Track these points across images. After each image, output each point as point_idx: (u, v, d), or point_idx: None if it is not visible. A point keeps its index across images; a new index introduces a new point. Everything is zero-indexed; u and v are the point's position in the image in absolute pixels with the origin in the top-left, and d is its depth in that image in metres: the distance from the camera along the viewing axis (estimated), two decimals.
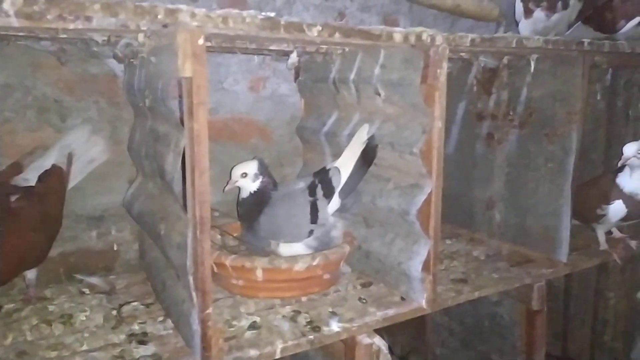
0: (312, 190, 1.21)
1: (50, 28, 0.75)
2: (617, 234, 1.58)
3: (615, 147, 1.71)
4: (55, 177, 1.15)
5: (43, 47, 1.13)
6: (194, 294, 0.83)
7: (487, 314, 1.55)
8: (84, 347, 0.93)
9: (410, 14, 1.74)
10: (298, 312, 1.07)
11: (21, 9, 0.65)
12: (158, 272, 1.11)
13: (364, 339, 1.02)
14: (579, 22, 1.71)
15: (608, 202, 1.44)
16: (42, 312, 1.07)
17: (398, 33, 0.95)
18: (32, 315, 1.06)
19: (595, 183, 1.52)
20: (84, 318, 1.05)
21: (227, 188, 1.22)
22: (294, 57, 1.19)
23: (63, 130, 1.24)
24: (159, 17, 0.74)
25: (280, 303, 1.11)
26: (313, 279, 1.15)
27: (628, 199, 1.41)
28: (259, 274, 1.09)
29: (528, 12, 1.44)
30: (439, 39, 0.99)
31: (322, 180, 1.21)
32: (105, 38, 0.93)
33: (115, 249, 1.34)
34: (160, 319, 1.05)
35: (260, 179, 1.22)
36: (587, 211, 1.49)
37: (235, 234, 1.33)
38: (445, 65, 1.00)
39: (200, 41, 0.75)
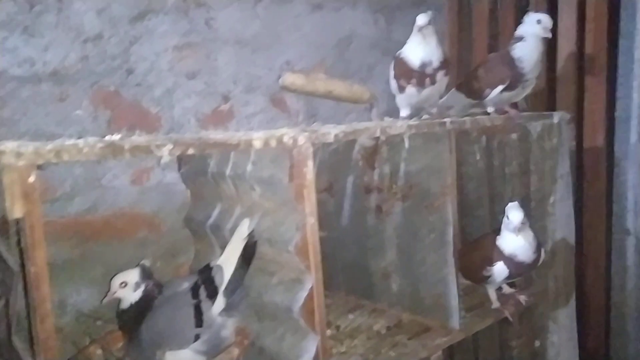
0: (195, 292, 1.16)
1: None
2: (506, 289, 1.66)
3: (497, 203, 1.83)
4: None
5: None
6: None
7: None
8: None
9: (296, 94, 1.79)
10: None
11: None
12: None
13: None
14: (453, 89, 1.86)
15: (491, 264, 1.51)
16: None
17: (257, 140, 0.95)
18: None
19: (478, 245, 1.60)
20: None
21: (105, 300, 1.14)
22: (165, 157, 1.16)
23: None
24: None
25: None
26: None
27: (508, 260, 1.48)
28: None
29: (401, 88, 1.53)
30: (302, 139, 1.01)
31: (205, 280, 1.16)
32: None
33: None
34: None
35: (142, 287, 1.15)
36: (474, 273, 1.56)
37: (120, 345, 1.24)
38: (310, 163, 1.02)
39: (31, 179, 0.71)
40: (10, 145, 0.71)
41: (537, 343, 1.80)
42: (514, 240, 1.47)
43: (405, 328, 1.47)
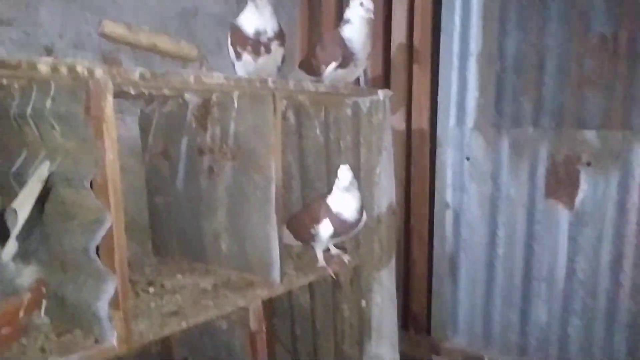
0: None
1: None
2: (333, 250, 1.78)
3: (334, 175, 1.94)
4: None
5: None
6: None
7: (223, 344, 1.57)
8: None
9: (134, 54, 1.75)
10: None
11: None
12: None
13: None
14: (297, 67, 1.95)
15: (319, 222, 1.61)
16: None
17: (44, 64, 0.92)
18: None
19: (309, 206, 1.70)
20: None
21: None
22: None
23: None
24: None
25: None
26: None
27: (334, 217, 1.60)
28: None
29: (238, 55, 1.57)
30: (99, 72, 0.99)
31: None
32: None
33: None
34: None
35: None
36: (302, 231, 1.65)
37: None
38: (109, 97, 1.01)
39: None
40: None
41: (363, 303, 1.95)
42: (342, 198, 1.60)
43: (232, 285, 1.50)
